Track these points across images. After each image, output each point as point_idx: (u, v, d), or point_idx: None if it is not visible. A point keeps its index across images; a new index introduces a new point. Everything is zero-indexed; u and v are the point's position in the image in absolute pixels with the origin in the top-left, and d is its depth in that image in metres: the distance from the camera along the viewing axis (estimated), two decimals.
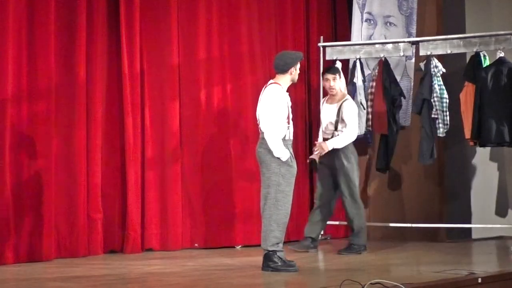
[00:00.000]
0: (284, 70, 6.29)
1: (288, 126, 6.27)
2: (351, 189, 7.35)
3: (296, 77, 6.41)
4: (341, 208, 9.13)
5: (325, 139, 7.39)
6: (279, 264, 6.06)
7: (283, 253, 6.15)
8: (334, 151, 7.29)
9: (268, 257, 6.09)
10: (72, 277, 5.86)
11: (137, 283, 5.63)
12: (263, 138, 6.20)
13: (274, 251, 6.08)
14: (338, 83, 7.44)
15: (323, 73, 7.58)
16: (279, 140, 6.14)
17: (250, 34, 8.41)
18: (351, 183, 7.35)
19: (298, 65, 6.38)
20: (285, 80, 6.31)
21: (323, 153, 7.30)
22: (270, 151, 6.13)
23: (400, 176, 8.80)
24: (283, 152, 6.13)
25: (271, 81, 6.39)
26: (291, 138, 6.32)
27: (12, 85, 6.68)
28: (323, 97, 8.01)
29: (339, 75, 7.48)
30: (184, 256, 7.28)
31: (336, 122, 7.35)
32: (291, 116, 6.34)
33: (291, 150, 6.25)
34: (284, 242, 7.99)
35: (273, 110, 6.17)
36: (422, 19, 8.75)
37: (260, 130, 6.27)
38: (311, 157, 7.32)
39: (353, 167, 7.35)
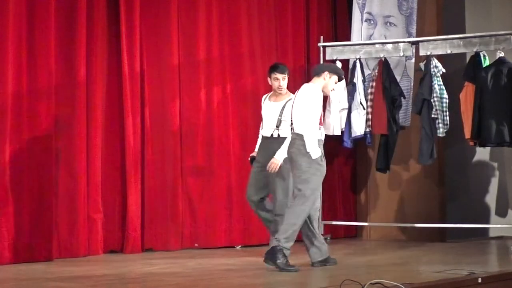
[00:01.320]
0: (318, 73, 6.44)
1: (320, 127, 6.35)
2: (287, 193, 6.98)
3: (328, 90, 6.49)
4: (339, 208, 9.18)
5: (264, 137, 7.09)
6: (284, 262, 6.08)
7: (288, 252, 6.17)
8: (272, 152, 6.91)
9: (277, 251, 6.10)
10: (72, 277, 5.86)
11: (137, 283, 5.63)
12: (294, 139, 6.29)
13: (284, 248, 6.12)
14: (286, 82, 7.18)
15: (272, 72, 7.14)
16: (316, 140, 6.23)
17: (250, 34, 8.41)
18: (287, 187, 6.91)
19: (334, 78, 6.46)
20: (319, 83, 6.44)
21: (277, 168, 6.81)
22: (301, 151, 6.21)
23: (400, 176, 8.80)
24: (316, 151, 6.20)
25: (306, 84, 6.55)
26: (323, 139, 6.43)
27: (12, 85, 6.68)
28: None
29: (288, 74, 7.22)
30: (184, 256, 7.28)
31: (279, 121, 7.04)
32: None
33: (322, 150, 6.32)
34: None
35: (312, 109, 6.25)
36: (422, 19, 8.76)
37: (292, 130, 6.36)
38: (252, 155, 7.17)
39: (289, 170, 6.84)
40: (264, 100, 7.24)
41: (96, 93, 7.32)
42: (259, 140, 7.19)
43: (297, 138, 6.26)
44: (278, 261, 6.07)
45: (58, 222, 6.98)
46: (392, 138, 8.21)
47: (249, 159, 7.20)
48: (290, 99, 7.10)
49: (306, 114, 6.24)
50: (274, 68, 7.18)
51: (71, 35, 7.14)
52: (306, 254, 7.38)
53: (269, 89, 7.35)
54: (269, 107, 7.15)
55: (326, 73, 6.41)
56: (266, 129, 7.10)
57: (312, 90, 6.34)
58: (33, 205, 6.77)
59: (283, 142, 6.93)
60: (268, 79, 7.17)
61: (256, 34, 8.46)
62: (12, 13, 6.67)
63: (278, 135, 7.01)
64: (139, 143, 7.61)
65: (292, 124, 6.40)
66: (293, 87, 8.81)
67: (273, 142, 7.00)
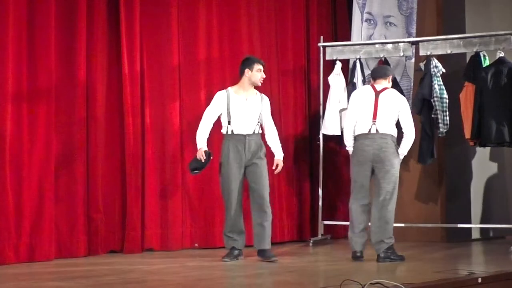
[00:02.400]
0: (384, 76, 6.92)
1: None
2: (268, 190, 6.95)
3: None
4: (339, 208, 9.18)
5: (242, 135, 6.85)
6: (398, 254, 6.84)
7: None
8: (257, 149, 6.88)
9: (388, 249, 6.78)
10: (72, 277, 5.86)
11: (137, 283, 5.62)
12: (385, 138, 6.75)
13: (392, 244, 6.86)
14: None
15: (255, 63, 6.91)
16: None
17: (250, 34, 8.42)
18: (268, 184, 6.97)
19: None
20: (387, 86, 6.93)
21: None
22: (395, 151, 6.80)
23: (400, 176, 8.78)
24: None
25: (381, 86, 6.86)
26: None
27: (12, 85, 6.68)
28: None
29: None
30: (184, 256, 7.28)
31: (261, 116, 6.94)
32: None
33: None
34: (285, 242, 8.01)
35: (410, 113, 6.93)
36: (422, 19, 8.75)
37: (379, 130, 6.75)
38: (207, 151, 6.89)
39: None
40: (228, 96, 6.93)
41: (96, 93, 7.32)
42: (201, 136, 6.92)
43: (389, 138, 6.78)
44: (394, 257, 6.77)
45: (58, 222, 6.98)
46: None
47: (204, 156, 6.87)
48: (261, 93, 7.04)
49: (411, 119, 6.88)
50: (256, 60, 6.98)
51: (71, 35, 7.14)
52: (306, 254, 7.40)
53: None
54: (244, 103, 6.90)
55: (391, 77, 7.02)
56: (245, 126, 6.87)
57: (400, 95, 7.02)
58: (33, 205, 6.77)
59: (260, 138, 6.92)
60: (247, 70, 6.88)
61: (256, 34, 8.46)
62: (12, 13, 6.67)
63: (259, 131, 6.94)
64: (139, 143, 7.60)
65: (375, 123, 6.76)
66: (293, 87, 8.85)
67: (256, 139, 6.90)
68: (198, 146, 6.93)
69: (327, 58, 8.56)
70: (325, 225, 8.67)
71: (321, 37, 8.72)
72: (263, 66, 7.01)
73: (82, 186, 7.14)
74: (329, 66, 8.66)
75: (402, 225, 8.51)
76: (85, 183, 7.17)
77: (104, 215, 7.34)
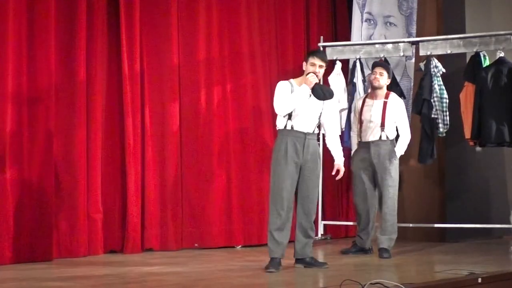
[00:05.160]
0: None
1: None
2: None
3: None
4: (339, 208, 9.18)
5: (303, 133, 6.25)
6: None
7: None
8: (315, 151, 6.34)
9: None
10: (72, 277, 5.86)
11: (137, 283, 5.62)
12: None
13: None
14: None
15: (310, 56, 6.37)
16: None
17: (250, 34, 8.41)
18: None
19: None
20: None
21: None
22: None
23: (400, 176, 8.78)
24: None
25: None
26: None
27: (12, 85, 6.68)
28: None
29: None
30: (184, 256, 7.28)
31: (320, 115, 6.38)
32: None
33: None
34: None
35: None
36: (422, 19, 8.76)
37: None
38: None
39: None
40: (292, 88, 6.27)
41: (96, 93, 7.32)
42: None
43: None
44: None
45: (58, 222, 6.98)
46: None
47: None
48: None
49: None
50: (311, 53, 6.46)
51: (71, 36, 7.14)
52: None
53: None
54: (307, 98, 6.25)
55: None
56: (306, 124, 6.26)
57: None
58: (33, 205, 6.77)
59: (317, 139, 6.44)
60: (304, 63, 6.38)
61: (256, 34, 8.46)
62: (12, 13, 6.66)
63: (317, 131, 6.42)
64: (139, 143, 7.61)
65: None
66: None
67: (314, 140, 6.34)
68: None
69: (327, 58, 8.55)
70: (325, 225, 8.67)
71: (321, 37, 8.72)
72: (322, 61, 6.33)
73: (82, 186, 7.13)
74: (329, 66, 8.64)
75: (402, 225, 8.51)
76: (85, 183, 7.17)
77: (104, 215, 7.34)
